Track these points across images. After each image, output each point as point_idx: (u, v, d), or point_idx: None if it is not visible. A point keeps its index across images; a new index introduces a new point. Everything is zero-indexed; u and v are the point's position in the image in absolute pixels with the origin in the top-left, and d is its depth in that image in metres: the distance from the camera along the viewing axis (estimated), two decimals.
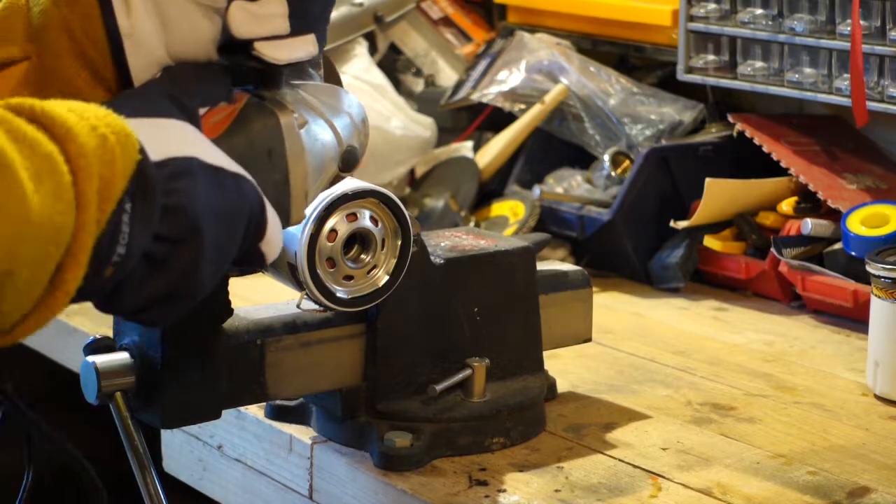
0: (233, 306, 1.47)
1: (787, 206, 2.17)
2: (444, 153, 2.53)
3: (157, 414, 1.44)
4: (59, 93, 1.21)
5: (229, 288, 1.44)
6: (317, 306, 1.53)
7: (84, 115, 1.06)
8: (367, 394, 1.58)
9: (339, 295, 1.50)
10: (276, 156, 1.26)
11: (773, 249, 2.12)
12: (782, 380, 1.85)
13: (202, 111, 1.22)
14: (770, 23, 2.21)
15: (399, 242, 1.52)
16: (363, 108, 1.37)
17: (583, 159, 2.40)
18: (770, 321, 2.10)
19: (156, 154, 1.11)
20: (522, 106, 2.45)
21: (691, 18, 2.30)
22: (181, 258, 1.12)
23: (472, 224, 2.34)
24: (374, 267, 1.52)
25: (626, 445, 1.62)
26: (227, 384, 1.47)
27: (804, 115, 2.37)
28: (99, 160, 1.04)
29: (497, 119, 2.51)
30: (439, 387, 1.58)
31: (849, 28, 2.09)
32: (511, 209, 2.36)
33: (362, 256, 1.51)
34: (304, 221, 1.45)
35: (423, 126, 2.49)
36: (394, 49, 2.72)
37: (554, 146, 2.44)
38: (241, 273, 1.31)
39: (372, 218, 1.50)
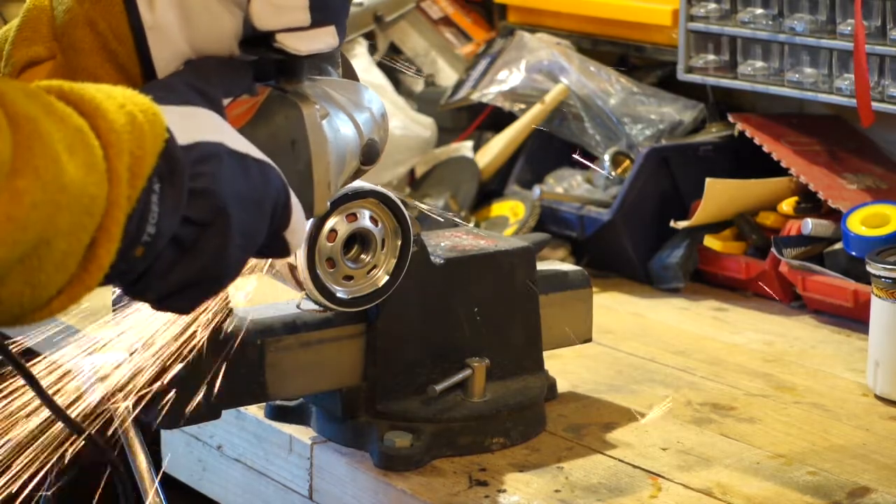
0: (233, 306, 1.47)
1: (787, 206, 2.17)
2: (444, 153, 2.53)
3: (158, 414, 1.44)
4: None
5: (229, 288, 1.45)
6: (317, 306, 1.53)
7: (112, 94, 1.08)
8: (367, 394, 1.58)
9: (338, 295, 1.50)
10: (300, 147, 1.27)
11: (773, 249, 2.12)
12: (782, 380, 1.85)
13: (225, 102, 1.23)
14: (770, 23, 2.21)
15: (399, 242, 1.52)
16: (383, 104, 1.38)
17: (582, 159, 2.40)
18: (770, 321, 2.10)
19: (183, 138, 1.12)
20: (522, 106, 2.45)
21: (691, 18, 2.30)
22: (209, 242, 1.13)
23: (471, 224, 2.34)
24: (374, 267, 1.52)
25: (626, 445, 1.62)
26: (227, 384, 1.47)
27: (804, 115, 2.37)
28: (129, 136, 1.06)
29: (497, 119, 2.51)
30: (439, 387, 1.58)
31: (849, 28, 2.09)
32: (511, 209, 2.35)
33: (362, 256, 1.51)
34: None
35: (423, 126, 2.49)
36: (394, 49, 2.72)
37: (554, 146, 2.44)
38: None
39: (372, 218, 1.50)
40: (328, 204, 1.32)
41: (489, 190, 2.45)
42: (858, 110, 2.06)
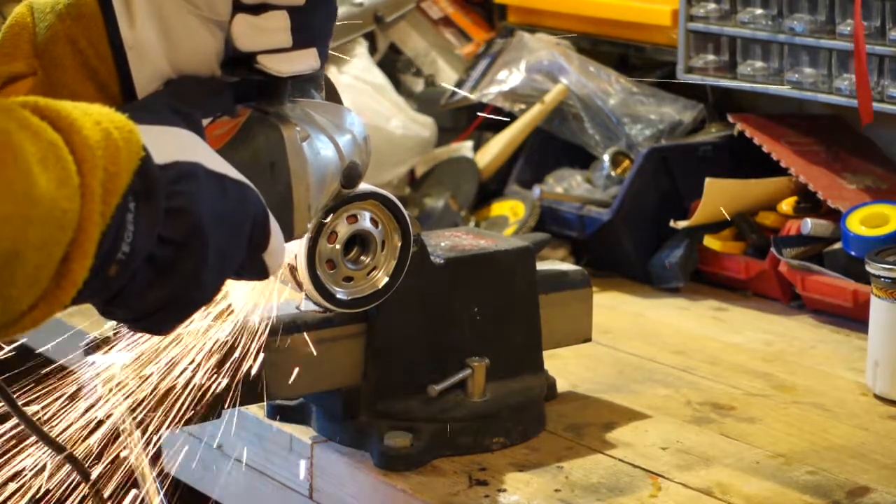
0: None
1: (786, 205, 2.17)
2: (444, 153, 2.53)
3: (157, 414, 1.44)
4: None
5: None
6: (316, 307, 1.53)
7: (88, 111, 1.07)
8: (367, 394, 1.58)
9: (338, 296, 1.50)
10: (279, 169, 1.27)
11: (773, 249, 2.12)
12: (782, 379, 1.85)
13: (205, 122, 1.23)
14: (770, 23, 2.21)
15: (399, 244, 1.52)
16: (365, 127, 1.39)
17: (583, 159, 2.40)
18: (770, 321, 2.10)
19: (160, 158, 1.11)
20: (522, 106, 2.45)
21: (691, 18, 2.30)
22: (185, 262, 1.12)
23: (472, 224, 2.34)
24: (374, 268, 1.52)
25: (626, 445, 1.63)
26: (227, 384, 1.47)
27: (804, 115, 2.37)
28: (103, 152, 1.05)
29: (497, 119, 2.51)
30: (439, 387, 1.58)
31: (848, 28, 2.09)
32: (511, 209, 2.36)
33: (362, 258, 1.51)
34: None
35: (423, 126, 2.50)
36: (394, 49, 2.72)
37: (554, 146, 2.44)
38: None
39: (372, 220, 1.51)
40: (308, 226, 1.32)
41: (489, 190, 2.45)
42: (859, 108, 2.06)
